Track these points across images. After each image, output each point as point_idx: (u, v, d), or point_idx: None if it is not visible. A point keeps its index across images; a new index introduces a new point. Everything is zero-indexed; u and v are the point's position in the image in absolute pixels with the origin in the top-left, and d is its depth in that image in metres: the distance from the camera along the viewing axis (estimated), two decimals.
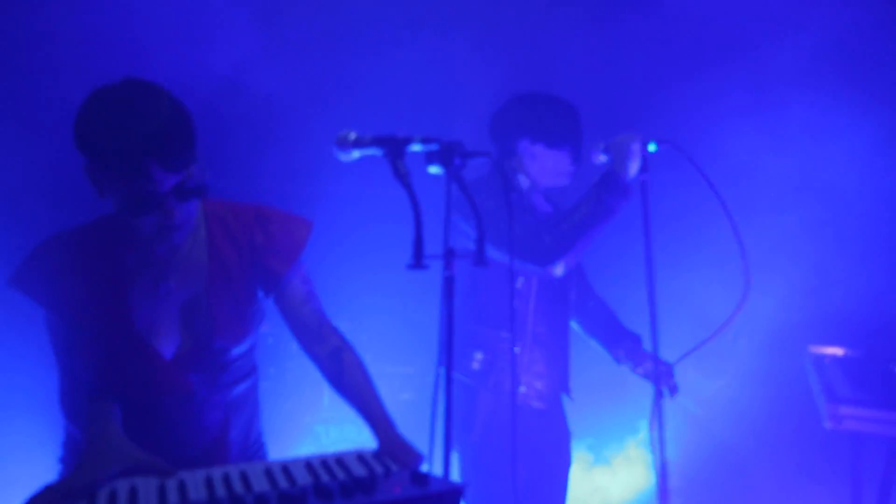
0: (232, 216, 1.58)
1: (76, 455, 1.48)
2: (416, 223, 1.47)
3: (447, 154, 1.53)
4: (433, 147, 1.52)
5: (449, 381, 1.46)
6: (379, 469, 1.32)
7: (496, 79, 3.06)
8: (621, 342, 2.52)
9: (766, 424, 2.99)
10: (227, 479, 1.27)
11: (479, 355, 2.30)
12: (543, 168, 2.45)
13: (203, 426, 1.57)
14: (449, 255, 1.53)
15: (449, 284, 1.52)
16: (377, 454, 1.41)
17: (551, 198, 2.61)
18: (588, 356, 2.64)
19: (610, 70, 3.55)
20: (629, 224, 2.13)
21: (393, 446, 1.41)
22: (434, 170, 1.57)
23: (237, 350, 1.58)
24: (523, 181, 2.49)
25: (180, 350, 1.51)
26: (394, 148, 1.51)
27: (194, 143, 1.36)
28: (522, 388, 2.34)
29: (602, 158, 2.21)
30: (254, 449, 1.72)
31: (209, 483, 1.26)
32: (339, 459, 1.37)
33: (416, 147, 1.52)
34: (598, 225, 2.20)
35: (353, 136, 1.56)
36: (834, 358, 2.75)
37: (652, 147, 2.10)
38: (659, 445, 1.92)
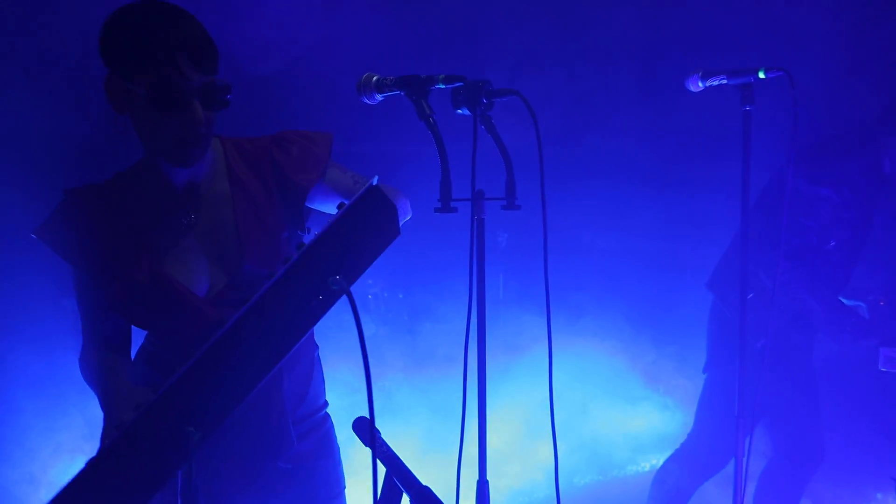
0: (249, 145, 1.56)
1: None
2: (443, 165, 1.42)
3: (473, 93, 1.47)
4: (458, 85, 1.46)
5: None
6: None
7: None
8: None
9: (821, 367, 2.91)
10: None
11: (749, 296, 2.50)
12: None
13: None
14: (477, 197, 1.49)
15: (479, 227, 1.48)
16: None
17: None
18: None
19: None
20: None
21: None
22: (461, 110, 1.52)
23: None
24: (889, 166, 2.48)
25: (213, 285, 1.49)
26: (417, 88, 1.46)
27: (219, 58, 1.37)
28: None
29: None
30: (315, 419, 1.64)
31: None
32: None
33: (439, 85, 1.46)
34: None
35: (374, 78, 1.52)
36: (891, 300, 2.66)
37: (762, 74, 1.96)
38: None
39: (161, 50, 1.29)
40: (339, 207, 1.09)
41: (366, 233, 1.11)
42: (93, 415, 2.73)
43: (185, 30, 1.32)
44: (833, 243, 2.51)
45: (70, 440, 2.82)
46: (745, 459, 2.08)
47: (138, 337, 1.58)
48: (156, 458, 1.03)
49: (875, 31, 3.21)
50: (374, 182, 1.11)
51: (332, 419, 1.71)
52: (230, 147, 1.55)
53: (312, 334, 1.67)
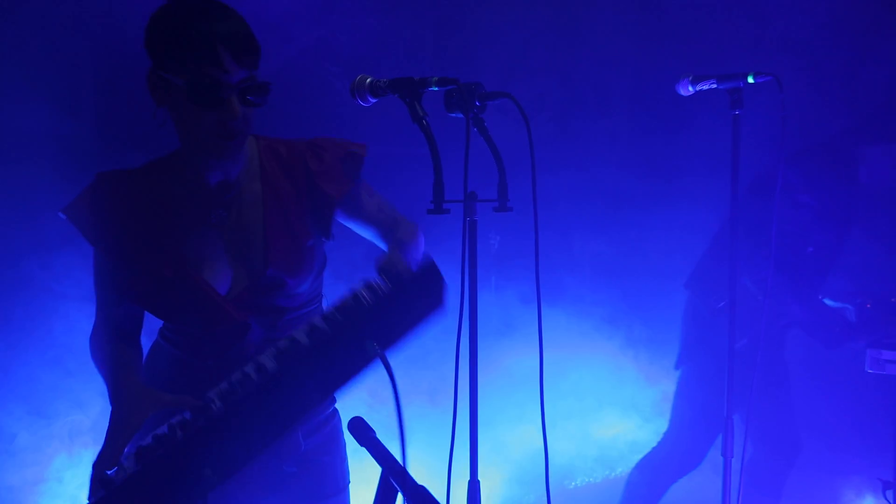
0: (285, 149, 1.56)
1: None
2: (436, 167, 1.43)
3: (466, 95, 1.48)
4: (451, 87, 1.47)
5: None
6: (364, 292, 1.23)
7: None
8: None
9: (808, 369, 2.94)
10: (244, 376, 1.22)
11: (721, 305, 2.56)
12: None
13: None
14: (470, 199, 1.50)
15: (472, 229, 1.49)
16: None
17: None
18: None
19: None
20: None
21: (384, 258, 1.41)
22: (454, 113, 1.53)
23: (293, 287, 1.51)
24: (865, 175, 2.54)
25: (233, 285, 1.48)
26: (410, 90, 1.47)
27: (259, 55, 1.38)
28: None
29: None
30: (323, 415, 1.64)
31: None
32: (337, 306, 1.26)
33: (433, 88, 1.47)
34: None
35: (368, 80, 1.53)
36: (877, 303, 2.69)
37: (751, 79, 1.99)
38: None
39: (203, 44, 1.30)
40: (380, 272, 1.17)
41: (413, 306, 1.17)
42: (94, 410, 2.74)
43: (228, 24, 1.33)
44: (811, 249, 2.54)
45: (70, 437, 2.82)
46: (732, 459, 2.11)
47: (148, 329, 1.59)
48: (172, 492, 1.08)
49: (869, 42, 3.24)
50: (431, 260, 1.18)
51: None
52: (265, 147, 1.54)
53: None
